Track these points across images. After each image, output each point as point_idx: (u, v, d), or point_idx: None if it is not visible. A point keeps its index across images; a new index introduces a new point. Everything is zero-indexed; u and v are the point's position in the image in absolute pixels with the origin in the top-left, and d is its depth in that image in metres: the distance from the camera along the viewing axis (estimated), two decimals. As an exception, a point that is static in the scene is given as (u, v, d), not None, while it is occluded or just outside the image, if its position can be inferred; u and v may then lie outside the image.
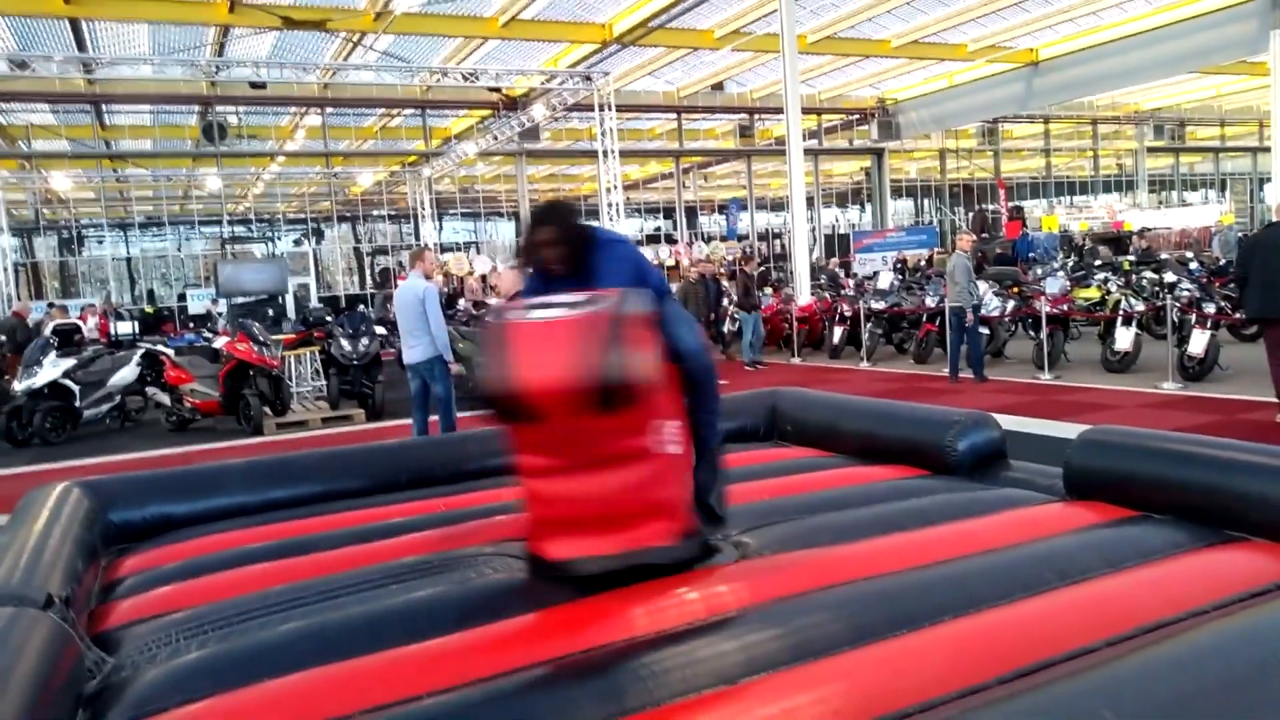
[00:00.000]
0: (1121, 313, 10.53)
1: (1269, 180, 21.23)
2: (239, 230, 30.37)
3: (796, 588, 2.54)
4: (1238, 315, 8.78)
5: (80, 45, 18.70)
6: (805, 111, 22.35)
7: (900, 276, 16.93)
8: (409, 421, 7.80)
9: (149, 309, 23.41)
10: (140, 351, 11.15)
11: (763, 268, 22.16)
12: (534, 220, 2.99)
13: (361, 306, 22.08)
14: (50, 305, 17.84)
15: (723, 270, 19.21)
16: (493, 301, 16.87)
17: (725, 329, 15.09)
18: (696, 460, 2.93)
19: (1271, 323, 7.17)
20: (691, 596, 2.52)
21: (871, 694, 2.02)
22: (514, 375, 2.45)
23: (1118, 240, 22.80)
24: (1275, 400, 7.35)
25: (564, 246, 2.90)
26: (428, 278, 7.53)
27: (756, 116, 28.79)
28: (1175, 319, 9.65)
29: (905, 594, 2.49)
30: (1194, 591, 2.49)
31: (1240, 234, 20.87)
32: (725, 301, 15.36)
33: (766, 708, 1.97)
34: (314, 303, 22.65)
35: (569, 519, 2.67)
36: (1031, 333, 12.00)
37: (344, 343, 10.71)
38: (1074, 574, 2.61)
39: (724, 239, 29.81)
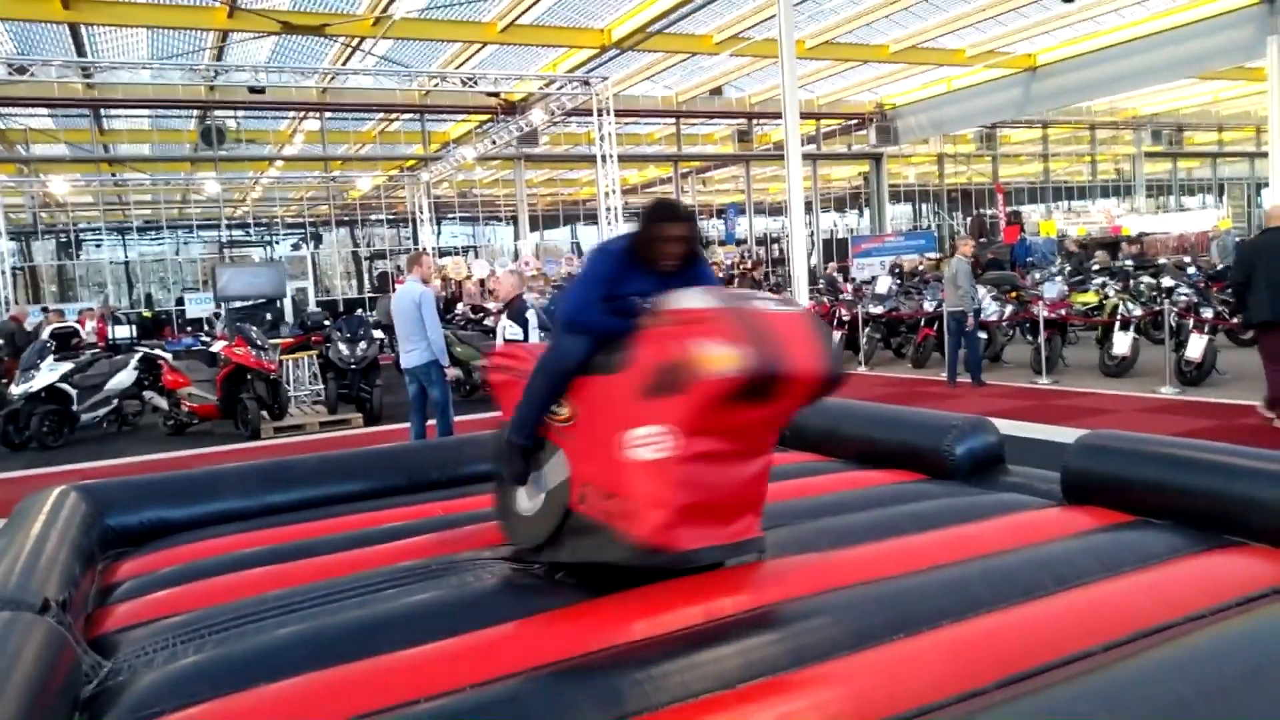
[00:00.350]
0: (1119, 317, 10.54)
1: (1266, 185, 21.26)
2: (237, 234, 30.37)
3: (796, 591, 2.54)
4: (1235, 320, 8.77)
5: (79, 50, 18.72)
6: (804, 116, 22.38)
7: (898, 281, 16.94)
8: (407, 426, 7.80)
9: (147, 313, 23.39)
10: (138, 355, 11.14)
11: (757, 272, 22.18)
12: (663, 215, 2.90)
13: (360, 310, 22.10)
14: (45, 310, 17.84)
15: (720, 275, 19.22)
16: (491, 306, 16.84)
17: None
18: None
19: (1274, 326, 7.17)
20: (690, 600, 2.52)
21: (870, 698, 2.02)
22: (785, 359, 2.51)
23: (1115, 245, 22.84)
24: (1259, 404, 7.45)
25: (689, 245, 2.90)
26: (425, 282, 7.53)
27: (755, 121, 28.86)
28: (1173, 324, 9.66)
29: (904, 598, 2.48)
30: (1191, 596, 2.49)
31: (1238, 239, 20.90)
32: None
33: (765, 712, 1.97)
34: (312, 307, 22.64)
35: (711, 505, 2.65)
36: (1029, 337, 12.01)
37: (342, 347, 10.70)
38: (1072, 579, 2.61)
39: (722, 243, 29.83)
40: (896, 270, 21.97)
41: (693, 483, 2.58)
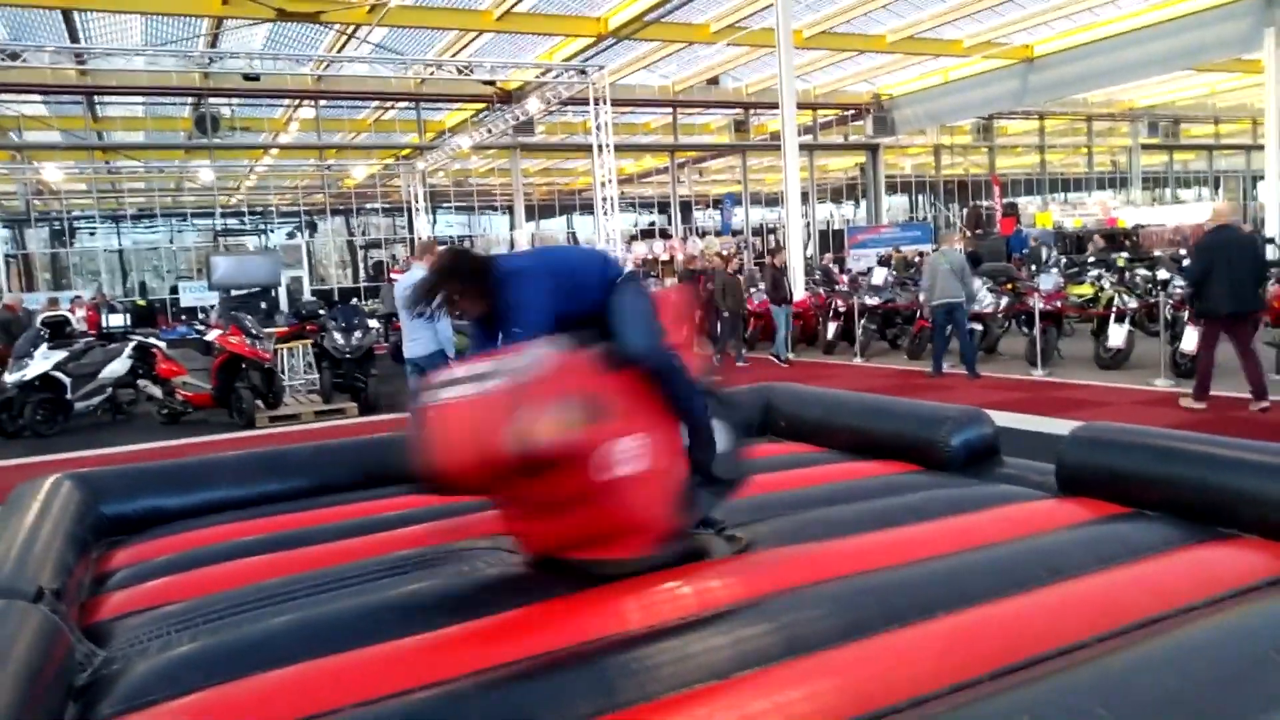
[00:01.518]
0: (1114, 310, 10.56)
1: (1262, 178, 21.28)
2: (232, 223, 30.28)
3: (789, 582, 2.55)
4: (1192, 312, 8.95)
5: (72, 36, 18.60)
6: (800, 107, 22.32)
7: (894, 272, 16.93)
8: (401, 415, 7.78)
9: (141, 302, 23.33)
10: (132, 344, 11.10)
11: (755, 264, 22.16)
12: (437, 272, 2.96)
13: (355, 300, 22.05)
14: (55, 300, 17.68)
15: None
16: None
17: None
18: (690, 442, 2.95)
19: (1240, 318, 7.63)
20: (684, 591, 2.52)
21: (863, 689, 2.03)
22: (434, 457, 2.51)
23: (1110, 237, 22.87)
24: (1269, 397, 7.52)
25: (467, 292, 2.89)
26: None
27: (752, 111, 28.78)
28: (1168, 316, 9.67)
29: (897, 589, 2.49)
30: (1185, 588, 2.50)
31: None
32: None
33: (758, 702, 1.97)
34: (307, 296, 22.58)
35: (551, 545, 2.81)
36: (1025, 329, 12.02)
37: (337, 336, 10.68)
38: (1066, 570, 2.61)
39: (719, 234, 29.80)
40: (885, 261, 21.98)
41: (518, 532, 2.88)
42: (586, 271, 3.03)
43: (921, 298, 11.41)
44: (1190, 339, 9.33)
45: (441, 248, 3.05)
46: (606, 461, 2.60)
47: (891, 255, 21.79)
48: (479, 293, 2.87)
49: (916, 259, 17.39)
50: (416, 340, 7.20)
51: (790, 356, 13.34)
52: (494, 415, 2.43)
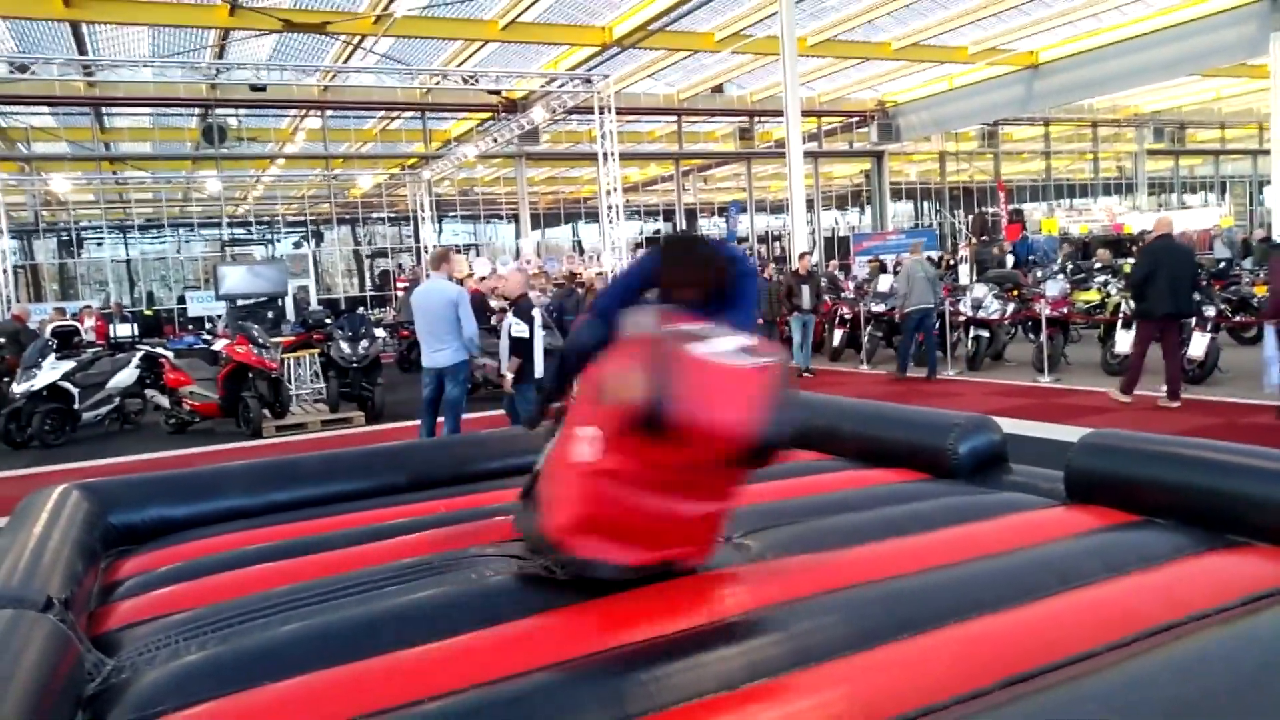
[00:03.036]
0: (1121, 315, 10.53)
1: (1269, 183, 21.24)
2: (238, 232, 30.42)
3: (798, 592, 2.54)
4: (1129, 313, 9.89)
5: (80, 48, 18.72)
6: (805, 114, 22.38)
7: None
8: (408, 424, 7.80)
9: (148, 311, 23.41)
10: (139, 354, 11.15)
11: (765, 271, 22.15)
12: (673, 257, 2.92)
13: (361, 309, 22.09)
14: (63, 310, 17.73)
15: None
16: (494, 304, 16.83)
17: None
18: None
19: (1173, 320, 8.53)
20: (693, 600, 2.52)
21: (874, 698, 2.02)
22: (692, 409, 2.35)
23: (1118, 243, 22.82)
24: (1266, 403, 7.54)
25: (704, 289, 2.81)
26: (461, 281, 7.46)
27: (756, 119, 28.83)
28: (1175, 322, 9.64)
29: (907, 598, 2.48)
30: (1196, 596, 2.48)
31: (1242, 235, 20.96)
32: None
33: (769, 712, 1.96)
34: (313, 305, 22.65)
35: (619, 525, 2.61)
36: (1031, 335, 12.01)
37: (343, 345, 10.71)
38: (1075, 579, 2.60)
39: (724, 241, 29.79)
40: (882, 269, 21.98)
41: (600, 495, 2.55)
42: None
43: (897, 304, 11.85)
44: (1198, 345, 9.32)
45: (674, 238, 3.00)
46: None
47: (881, 263, 21.80)
48: (704, 289, 2.79)
49: (895, 266, 17.32)
50: (443, 350, 7.15)
51: (812, 367, 12.93)
52: (773, 391, 2.42)
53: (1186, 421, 7.49)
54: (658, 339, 2.44)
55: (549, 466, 2.79)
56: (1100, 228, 27.22)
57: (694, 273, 2.77)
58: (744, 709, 1.99)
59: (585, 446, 2.53)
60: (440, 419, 7.45)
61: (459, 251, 28.72)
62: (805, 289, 12.52)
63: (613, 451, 2.48)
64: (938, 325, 11.92)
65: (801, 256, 13.75)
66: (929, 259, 12.67)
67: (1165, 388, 8.56)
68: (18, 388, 10.07)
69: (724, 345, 2.51)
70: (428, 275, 7.90)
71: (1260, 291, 11.62)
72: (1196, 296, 9.03)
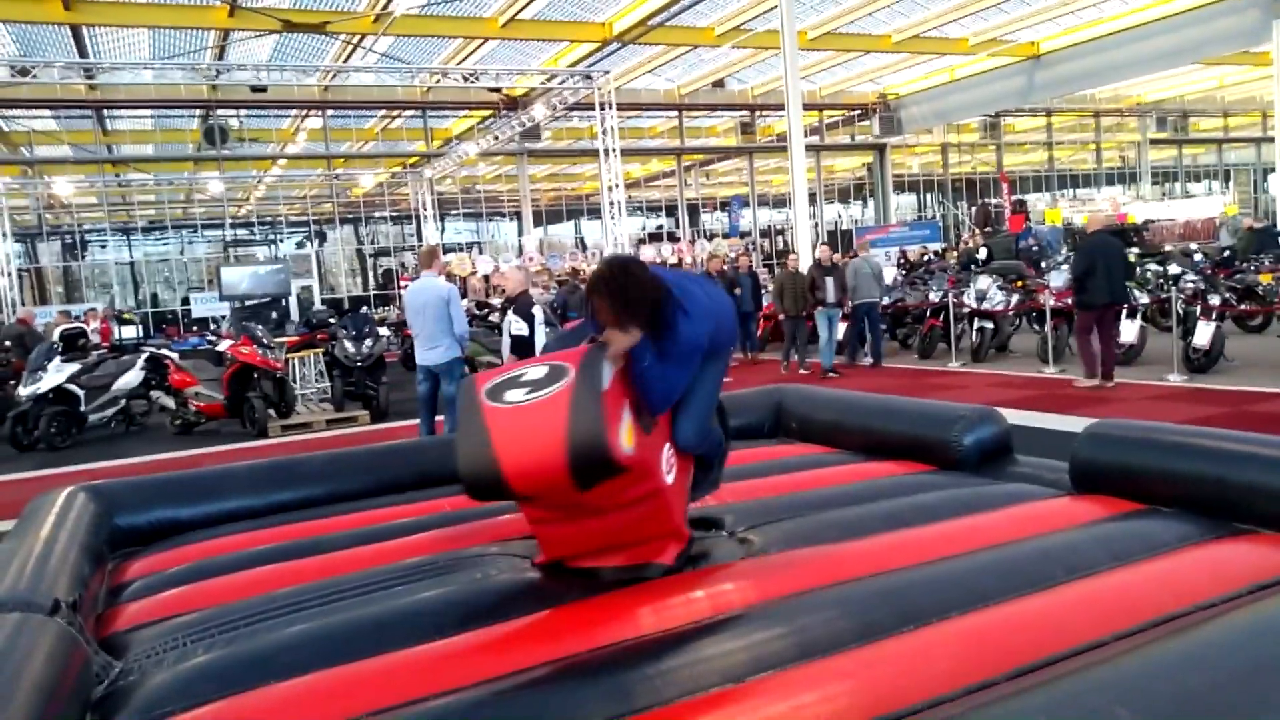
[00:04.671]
0: (1125, 306, 10.50)
1: (1273, 170, 21.17)
2: (241, 233, 30.46)
3: (803, 585, 2.54)
4: (1071, 303, 10.37)
5: (81, 51, 18.74)
6: (806, 108, 22.32)
7: (904, 272, 16.91)
8: (413, 422, 7.80)
9: (127, 315, 23.43)
10: (145, 355, 11.17)
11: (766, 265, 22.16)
12: (591, 285, 2.75)
13: (365, 308, 22.13)
14: (66, 312, 17.82)
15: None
16: (495, 301, 16.85)
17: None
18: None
19: (1109, 307, 9.14)
20: (698, 595, 2.52)
21: (879, 691, 2.02)
22: (492, 459, 2.42)
23: (1121, 233, 22.78)
24: (1272, 391, 7.60)
25: (606, 318, 2.66)
26: (449, 278, 7.48)
27: (758, 113, 28.80)
28: (1180, 311, 9.62)
29: (912, 591, 2.48)
30: (1203, 585, 2.48)
31: (1246, 222, 20.94)
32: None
33: (774, 706, 1.96)
34: (317, 305, 22.67)
35: (576, 550, 2.78)
36: (1036, 326, 11.97)
37: (347, 344, 10.71)
38: (1081, 569, 2.59)
39: (726, 236, 29.79)
40: (901, 261, 21.95)
41: (544, 536, 2.77)
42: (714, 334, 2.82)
43: (849, 297, 12.21)
44: (1203, 334, 9.30)
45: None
46: (660, 468, 2.66)
47: (905, 254, 21.79)
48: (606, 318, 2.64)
49: (843, 262, 16.92)
50: (436, 348, 7.17)
51: (838, 361, 11.99)
52: (570, 418, 2.40)
53: (1192, 410, 7.47)
54: (468, 406, 2.55)
55: None
56: (1104, 218, 27.14)
57: (605, 304, 2.62)
58: (748, 702, 1.99)
59: None
60: (440, 417, 7.45)
61: (462, 250, 28.75)
62: (829, 281, 11.82)
63: (521, 504, 2.70)
64: (940, 317, 11.96)
65: (821, 246, 13.04)
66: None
67: (1095, 370, 9.17)
68: (24, 390, 10.09)
69: (525, 382, 2.52)
70: (417, 274, 7.91)
71: (1266, 279, 11.58)
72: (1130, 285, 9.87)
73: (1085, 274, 9.13)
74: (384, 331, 11.39)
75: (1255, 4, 19.02)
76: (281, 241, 30.76)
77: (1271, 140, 21.63)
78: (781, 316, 12.43)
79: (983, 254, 21.04)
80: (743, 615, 2.37)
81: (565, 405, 2.42)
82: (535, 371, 2.55)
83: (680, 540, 2.79)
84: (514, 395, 2.51)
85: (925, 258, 22.36)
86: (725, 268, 14.55)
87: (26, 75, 15.51)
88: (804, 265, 13.27)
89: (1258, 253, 14.93)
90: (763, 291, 14.92)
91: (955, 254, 22.25)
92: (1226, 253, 15.94)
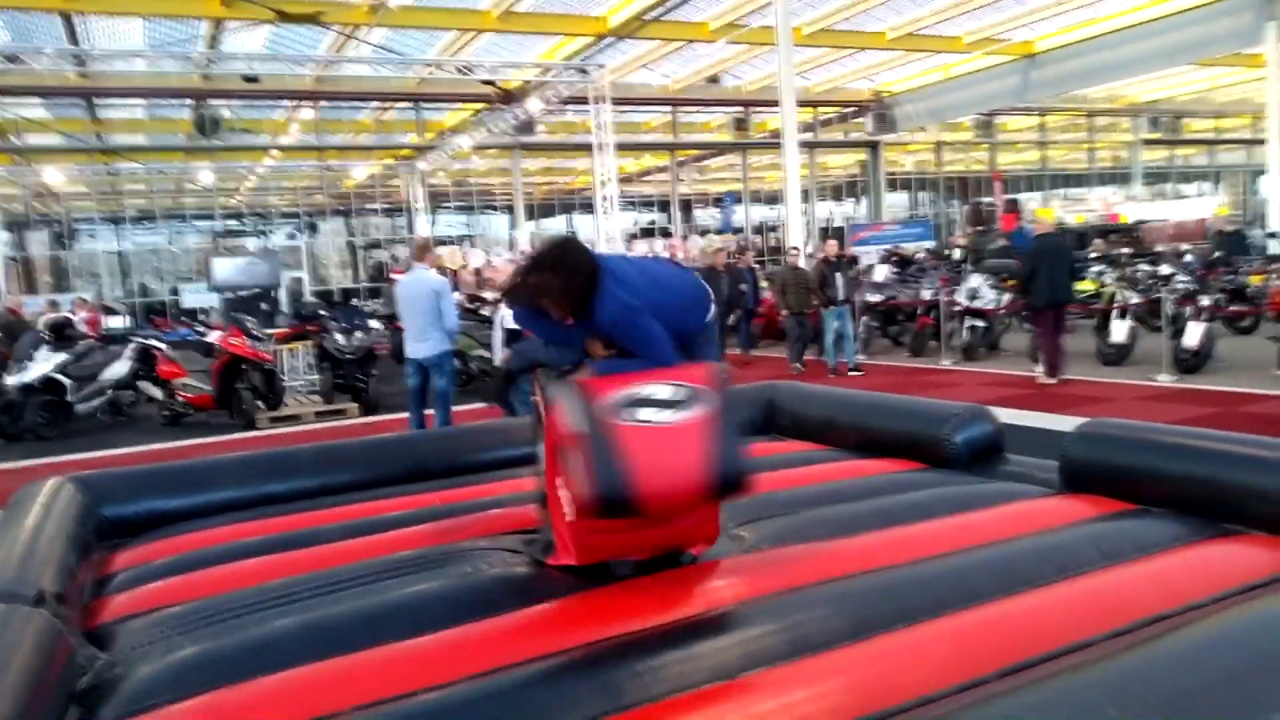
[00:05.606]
0: (1117, 305, 10.54)
1: (1264, 172, 21.26)
2: (232, 224, 30.29)
3: (795, 581, 2.53)
4: (1020, 303, 10.96)
5: (72, 39, 18.59)
6: (800, 104, 22.26)
7: (896, 270, 16.92)
8: (402, 415, 7.77)
9: (107, 303, 23.32)
10: (133, 346, 11.10)
11: (759, 261, 22.15)
12: (530, 266, 2.80)
13: (355, 300, 22.05)
14: (55, 303, 17.70)
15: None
16: (487, 295, 16.79)
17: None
18: None
19: (1053, 308, 9.52)
20: (690, 591, 2.51)
21: (870, 688, 2.02)
22: (635, 485, 2.37)
23: (1114, 233, 22.88)
24: (1261, 391, 7.64)
25: (565, 303, 2.73)
26: (441, 271, 7.44)
27: (752, 109, 28.73)
28: (1170, 311, 9.66)
29: (903, 588, 2.48)
30: (1192, 584, 2.49)
31: (1233, 226, 21.07)
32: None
33: (765, 703, 1.96)
34: (307, 297, 22.58)
35: (624, 555, 2.72)
36: (1027, 326, 12.01)
37: (337, 336, 10.68)
38: (1072, 567, 2.60)
39: (719, 232, 29.78)
40: (889, 258, 21.95)
41: (588, 544, 2.64)
42: (683, 321, 2.88)
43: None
44: (1193, 334, 9.34)
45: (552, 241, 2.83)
46: None
47: (895, 252, 21.78)
48: (565, 303, 2.72)
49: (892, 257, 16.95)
50: (427, 341, 7.14)
51: (854, 360, 11.51)
52: (714, 438, 2.44)
53: (1182, 411, 7.50)
54: (588, 431, 2.44)
55: (551, 494, 2.79)
56: (1096, 217, 27.23)
57: (554, 284, 2.69)
58: (740, 699, 1.99)
59: (566, 507, 2.59)
60: (430, 411, 7.43)
61: (454, 243, 28.67)
62: (839, 277, 11.36)
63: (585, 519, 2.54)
64: (932, 314, 12.00)
65: (827, 241, 12.41)
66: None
67: (1045, 367, 9.64)
68: (11, 380, 10.03)
69: (655, 401, 2.50)
70: (409, 267, 7.88)
71: (1255, 281, 11.62)
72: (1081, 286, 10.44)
73: (1030, 275, 9.56)
74: (374, 324, 11.34)
75: (1248, 6, 19.07)
76: (272, 233, 30.60)
77: (1263, 142, 21.71)
78: (784, 315, 12.11)
79: (957, 254, 21.23)
80: (735, 611, 2.37)
81: (706, 429, 2.45)
82: (662, 390, 2.53)
83: (709, 543, 2.80)
84: (649, 415, 2.48)
85: (918, 255, 22.40)
86: (730, 262, 14.22)
87: (16, 62, 15.37)
88: (800, 260, 13.21)
89: (1227, 257, 15.01)
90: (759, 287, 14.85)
91: (952, 250, 22.27)
92: (1217, 254, 16.00)
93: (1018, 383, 9.72)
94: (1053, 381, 9.41)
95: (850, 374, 11.06)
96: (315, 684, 2.11)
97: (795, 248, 14.27)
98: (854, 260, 14.63)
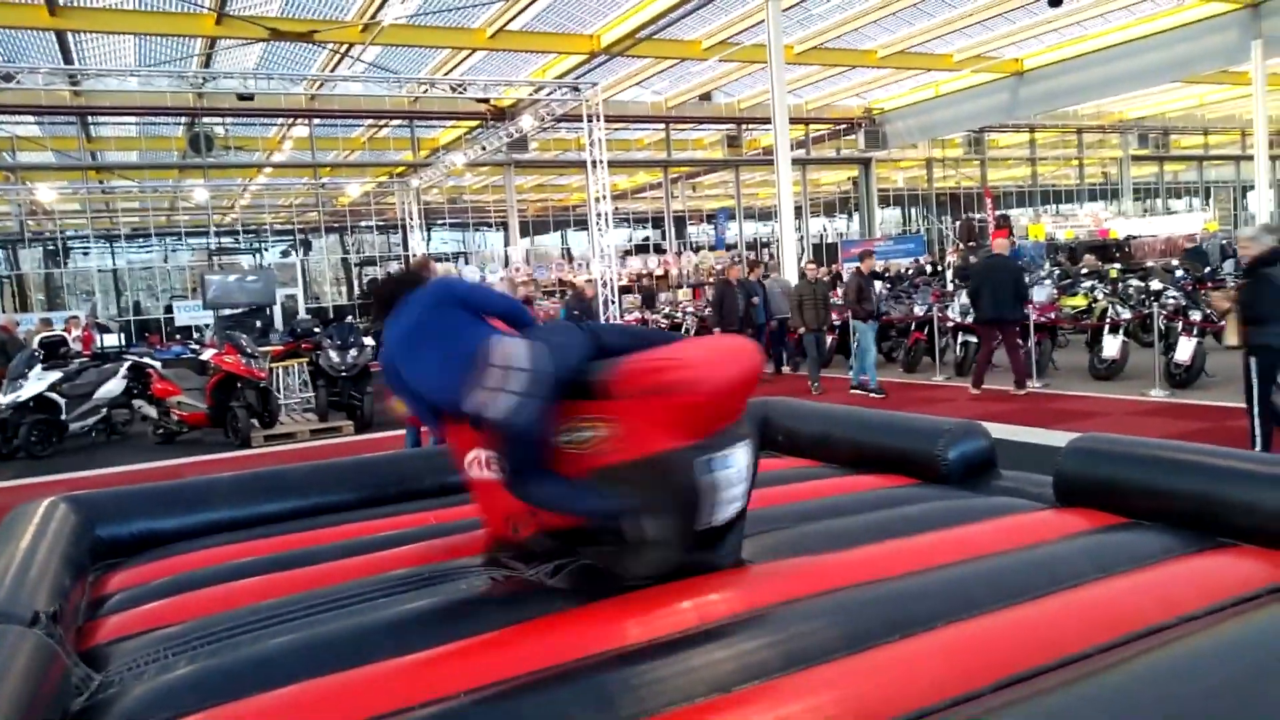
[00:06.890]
0: (1108, 321, 10.60)
1: (1252, 188, 21.43)
2: (226, 242, 30.29)
3: (788, 595, 2.54)
4: (968, 319, 11.49)
5: (66, 57, 18.65)
6: (793, 121, 22.43)
7: (889, 285, 16.99)
8: (397, 433, 7.77)
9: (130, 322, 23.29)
10: (127, 364, 11.08)
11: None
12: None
13: (350, 318, 22.03)
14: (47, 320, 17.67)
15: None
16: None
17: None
18: None
19: (998, 323, 10.09)
20: (684, 604, 2.51)
21: (865, 701, 2.02)
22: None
23: (1104, 248, 22.98)
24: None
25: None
26: None
27: (744, 126, 28.92)
28: (1162, 326, 9.72)
29: (898, 600, 2.48)
30: (1186, 596, 2.49)
31: (1224, 240, 21.19)
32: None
33: (760, 716, 1.96)
34: (302, 314, 22.56)
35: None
36: (1019, 341, 12.04)
37: (332, 354, 10.67)
38: (1066, 579, 2.60)
39: (712, 248, 29.88)
40: (882, 274, 22.01)
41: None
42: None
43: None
44: (1184, 349, 9.38)
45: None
46: None
47: (888, 268, 21.86)
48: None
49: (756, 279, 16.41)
50: None
51: (875, 380, 10.85)
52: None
53: (1174, 425, 7.53)
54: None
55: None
56: (1086, 233, 27.40)
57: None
58: (735, 712, 1.99)
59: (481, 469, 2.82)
60: (425, 429, 7.42)
61: (448, 260, 28.69)
62: (872, 291, 11.11)
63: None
64: (925, 330, 12.02)
65: (864, 257, 11.70)
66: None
67: (1014, 380, 10.17)
68: (4, 398, 10.00)
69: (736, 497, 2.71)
70: None
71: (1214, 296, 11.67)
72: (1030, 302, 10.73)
73: (974, 293, 10.25)
74: (369, 341, 11.34)
75: (1234, 24, 19.30)
76: (266, 250, 30.60)
77: (1250, 158, 21.89)
78: (801, 331, 11.86)
79: (928, 269, 21.37)
80: (729, 624, 2.37)
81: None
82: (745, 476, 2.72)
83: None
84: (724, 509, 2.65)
85: (908, 270, 22.48)
86: (743, 277, 14.13)
87: (10, 80, 15.40)
88: (790, 277, 13.38)
89: (1216, 273, 15.18)
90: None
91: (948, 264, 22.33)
92: (1206, 270, 16.10)
93: (1010, 398, 9.76)
94: (1020, 392, 9.89)
95: (872, 394, 10.54)
96: (310, 701, 2.11)
97: (813, 262, 14.15)
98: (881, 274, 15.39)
